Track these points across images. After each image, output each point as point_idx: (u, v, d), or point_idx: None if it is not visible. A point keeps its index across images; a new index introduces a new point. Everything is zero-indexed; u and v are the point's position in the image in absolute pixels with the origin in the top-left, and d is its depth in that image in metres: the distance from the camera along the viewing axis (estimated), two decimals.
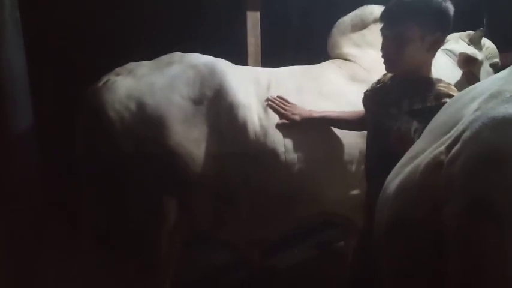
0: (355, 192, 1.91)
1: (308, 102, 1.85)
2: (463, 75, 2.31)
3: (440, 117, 0.97)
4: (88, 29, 2.31)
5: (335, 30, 2.20)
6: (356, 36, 2.16)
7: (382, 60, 1.43)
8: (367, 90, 1.60)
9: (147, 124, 1.53)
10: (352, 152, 1.87)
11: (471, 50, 2.38)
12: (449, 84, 1.37)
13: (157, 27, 2.59)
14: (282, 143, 1.74)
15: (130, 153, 1.52)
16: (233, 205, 1.72)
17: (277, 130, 1.74)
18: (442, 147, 0.76)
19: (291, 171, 1.76)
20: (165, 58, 1.73)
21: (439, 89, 1.32)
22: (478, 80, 2.19)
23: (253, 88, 1.77)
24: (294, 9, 3.12)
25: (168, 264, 1.67)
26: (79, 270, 1.80)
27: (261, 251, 2.43)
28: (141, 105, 1.53)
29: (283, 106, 1.75)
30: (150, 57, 1.77)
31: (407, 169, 0.86)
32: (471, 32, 2.53)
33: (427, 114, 1.23)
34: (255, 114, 1.71)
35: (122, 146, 1.52)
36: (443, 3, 1.34)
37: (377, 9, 2.16)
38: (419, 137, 1.22)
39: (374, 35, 2.11)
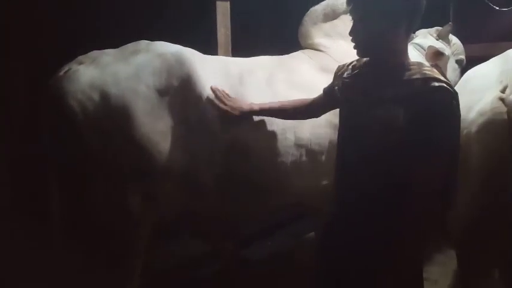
0: (325, 182, 1.92)
1: (280, 93, 1.84)
2: None
3: None
4: (47, 15, 2.22)
5: (306, 19, 2.20)
6: (327, 26, 2.17)
7: (353, 45, 1.36)
8: (344, 78, 1.49)
9: (111, 115, 1.47)
10: (322, 142, 1.88)
11: (439, 45, 2.43)
12: (431, 67, 1.31)
13: (124, 15, 2.52)
14: (251, 135, 1.73)
15: (93, 145, 1.47)
16: (201, 196, 1.70)
17: (247, 121, 1.72)
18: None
19: (260, 161, 1.75)
20: (130, 46, 1.67)
21: (425, 73, 1.26)
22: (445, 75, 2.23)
23: (223, 79, 1.74)
24: None
25: (135, 256, 1.62)
26: (47, 264, 1.76)
27: (234, 242, 2.43)
28: (104, 96, 1.47)
29: (224, 100, 1.68)
30: (115, 46, 1.70)
31: None
32: (439, 28, 2.60)
33: (416, 100, 1.22)
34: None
35: (85, 137, 1.46)
36: None
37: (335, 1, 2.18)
38: (408, 123, 1.21)
39: (345, 25, 2.12)
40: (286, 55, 2.14)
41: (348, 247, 1.36)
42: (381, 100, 1.29)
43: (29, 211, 2.02)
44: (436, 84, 1.22)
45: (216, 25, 2.40)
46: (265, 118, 1.75)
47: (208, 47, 2.14)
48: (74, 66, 1.54)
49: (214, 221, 1.85)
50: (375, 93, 1.33)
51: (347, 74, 1.48)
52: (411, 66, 1.30)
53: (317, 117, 1.79)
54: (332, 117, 1.80)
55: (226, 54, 2.41)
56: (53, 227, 1.59)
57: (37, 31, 2.17)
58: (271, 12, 3.23)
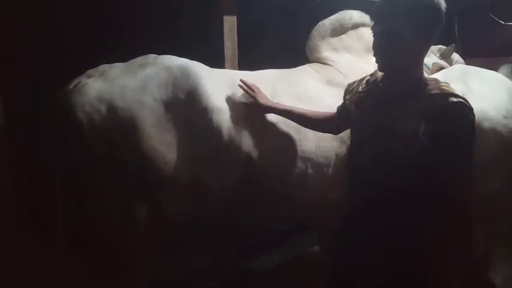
0: (331, 195, 1.93)
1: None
2: None
3: None
4: (59, 29, 2.26)
5: (315, 33, 2.24)
6: (335, 40, 2.21)
7: (374, 59, 1.38)
8: (359, 91, 1.51)
9: (118, 127, 1.50)
10: (328, 155, 1.90)
11: (443, 63, 2.46)
12: (447, 82, 1.34)
13: (133, 30, 2.56)
14: (257, 147, 1.74)
15: (101, 157, 1.49)
16: (205, 207, 1.72)
17: (253, 134, 1.74)
18: None
19: (265, 174, 1.77)
20: (138, 60, 1.71)
21: (443, 88, 1.29)
22: None
23: (229, 91, 1.76)
24: (271, 13, 3.14)
25: (140, 265, 1.64)
26: (51, 274, 1.76)
27: (236, 253, 2.42)
28: (111, 108, 1.50)
29: (253, 88, 1.76)
30: (124, 59, 1.74)
31: None
32: (442, 47, 2.62)
33: (435, 115, 1.25)
34: (229, 118, 1.70)
35: (92, 149, 1.49)
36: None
37: (356, 15, 2.23)
38: (427, 139, 1.24)
39: (352, 40, 2.20)
40: (293, 68, 2.16)
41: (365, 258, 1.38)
42: (400, 114, 1.31)
43: (31, 217, 2.03)
44: (455, 99, 1.25)
45: (223, 39, 2.43)
46: (272, 130, 1.78)
47: (215, 61, 2.16)
48: (83, 79, 1.58)
49: (217, 231, 1.87)
50: (393, 107, 1.34)
51: (362, 88, 1.49)
52: (428, 82, 1.33)
53: (335, 134, 1.84)
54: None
55: (233, 68, 2.43)
56: (57, 236, 1.60)
57: (45, 42, 2.22)
58: (278, 26, 3.27)
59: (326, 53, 2.18)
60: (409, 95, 1.32)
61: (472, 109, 1.27)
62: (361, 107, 1.47)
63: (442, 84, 1.31)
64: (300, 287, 2.50)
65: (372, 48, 1.37)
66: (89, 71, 1.64)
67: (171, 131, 1.58)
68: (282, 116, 1.79)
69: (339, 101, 1.78)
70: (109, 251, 1.58)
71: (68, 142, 1.51)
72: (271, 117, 1.80)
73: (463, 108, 1.25)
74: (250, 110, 1.76)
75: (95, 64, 1.69)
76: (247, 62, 2.46)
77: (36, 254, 1.91)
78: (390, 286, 1.33)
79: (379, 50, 1.35)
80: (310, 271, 2.49)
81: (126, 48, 2.01)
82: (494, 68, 1.87)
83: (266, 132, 1.78)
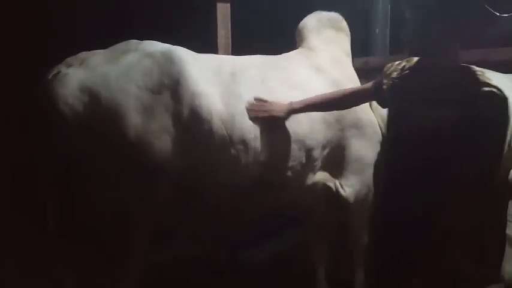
0: (317, 178, 1.93)
1: (274, 92, 1.84)
2: None
3: None
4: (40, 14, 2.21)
5: (303, 25, 2.26)
6: (323, 32, 2.23)
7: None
8: (393, 78, 1.52)
9: (103, 117, 1.46)
10: (316, 137, 1.88)
11: None
12: (482, 70, 1.35)
13: (124, 17, 2.52)
14: (250, 130, 1.71)
15: (86, 149, 1.47)
16: (197, 196, 1.69)
17: (245, 117, 1.71)
18: None
19: (258, 159, 1.73)
20: (120, 46, 1.66)
21: (478, 77, 1.30)
22: None
23: (216, 76, 1.72)
24: (265, 0, 3.11)
25: (133, 256, 1.62)
26: (44, 266, 1.76)
27: (229, 244, 2.43)
28: (95, 98, 1.46)
29: (264, 108, 1.73)
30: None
31: None
32: None
33: (470, 103, 1.27)
34: (219, 102, 1.66)
35: (78, 140, 1.46)
36: None
37: (334, 15, 2.27)
38: (460, 125, 1.25)
39: (340, 37, 2.25)
40: (282, 55, 2.14)
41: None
42: (433, 101, 1.33)
43: (28, 211, 2.02)
44: (487, 89, 1.27)
45: (217, 27, 2.40)
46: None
47: (209, 49, 2.13)
48: (63, 68, 1.53)
49: (208, 220, 1.85)
50: (426, 94, 1.36)
51: (396, 75, 1.50)
52: (464, 70, 1.35)
53: (353, 106, 1.85)
54: (326, 114, 1.85)
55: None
56: (50, 229, 1.59)
57: (24, 30, 2.17)
58: (272, 14, 3.24)
59: (315, 41, 2.19)
60: (441, 83, 1.34)
61: (505, 98, 1.27)
62: (394, 93, 1.49)
63: (478, 72, 1.32)
64: (295, 278, 2.51)
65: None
66: (68, 59, 1.59)
67: (158, 118, 1.54)
68: (301, 112, 1.79)
69: (328, 88, 1.90)
70: (101, 242, 1.56)
71: (52, 134, 1.48)
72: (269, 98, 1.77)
73: (496, 97, 1.26)
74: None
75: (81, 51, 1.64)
76: (241, 50, 2.44)
77: (31, 245, 1.90)
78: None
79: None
80: (303, 261, 2.49)
81: (117, 35, 1.98)
82: (489, 59, 1.86)
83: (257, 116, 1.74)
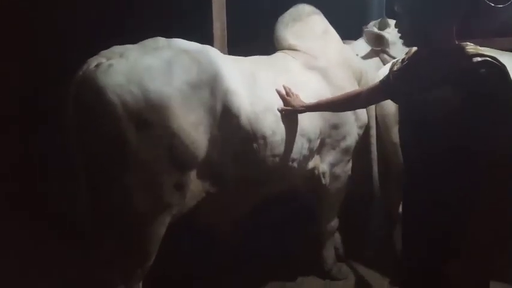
0: (311, 164, 2.20)
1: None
2: (377, 55, 2.82)
3: None
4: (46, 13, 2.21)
5: (278, 25, 2.40)
6: (296, 29, 2.37)
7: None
8: (394, 70, 1.59)
9: (152, 107, 1.53)
10: (316, 131, 2.13)
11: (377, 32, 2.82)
12: (475, 45, 1.34)
13: (120, 10, 2.51)
14: (269, 127, 1.89)
15: (134, 137, 1.52)
16: (220, 186, 1.83)
17: (265, 115, 1.89)
18: None
19: (273, 152, 1.93)
20: (149, 43, 1.72)
21: (469, 51, 1.30)
22: (394, 58, 2.42)
23: (241, 76, 1.87)
24: None
25: (150, 251, 1.70)
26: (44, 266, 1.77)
27: (240, 232, 2.47)
28: (143, 89, 1.52)
29: (289, 93, 1.99)
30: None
31: None
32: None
33: (464, 78, 1.26)
34: (246, 100, 1.81)
35: (126, 129, 1.51)
36: None
37: (307, 6, 2.43)
38: (462, 102, 1.25)
39: (309, 26, 2.39)
40: (272, 56, 2.28)
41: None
42: (432, 84, 1.35)
43: (30, 210, 2.03)
44: (479, 59, 1.25)
45: (212, 19, 2.40)
46: (280, 115, 1.96)
47: (204, 41, 2.14)
48: (103, 60, 1.57)
49: (223, 210, 1.99)
50: (425, 79, 1.38)
51: (397, 68, 1.58)
52: (457, 48, 1.35)
53: (363, 108, 2.18)
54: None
55: (222, 48, 2.43)
56: (79, 220, 1.62)
57: (24, 30, 2.17)
58: (267, 6, 3.23)
59: (293, 40, 2.34)
60: (437, 65, 1.35)
61: (502, 66, 1.25)
62: (398, 84, 1.54)
63: (468, 47, 1.32)
64: (303, 266, 2.58)
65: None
66: (103, 52, 1.63)
67: (196, 111, 1.64)
68: (314, 111, 2.03)
69: (322, 85, 2.17)
70: (130, 230, 1.64)
71: (100, 124, 1.52)
72: (279, 101, 1.97)
73: (491, 66, 1.24)
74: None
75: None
76: (236, 42, 2.44)
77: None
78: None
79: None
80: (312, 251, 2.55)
81: (114, 27, 1.98)
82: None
83: (275, 114, 1.94)
